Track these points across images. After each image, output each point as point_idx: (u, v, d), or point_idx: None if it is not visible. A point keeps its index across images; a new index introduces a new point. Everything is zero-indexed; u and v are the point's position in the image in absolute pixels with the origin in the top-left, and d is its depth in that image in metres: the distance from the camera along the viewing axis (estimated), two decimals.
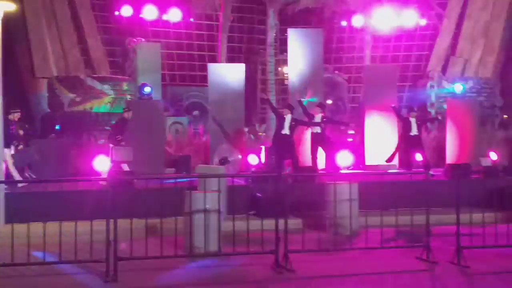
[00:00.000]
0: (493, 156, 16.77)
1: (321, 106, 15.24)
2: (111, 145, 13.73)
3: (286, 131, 13.92)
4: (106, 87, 21.32)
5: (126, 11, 22.66)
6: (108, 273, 7.14)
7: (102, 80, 21.51)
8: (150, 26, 23.82)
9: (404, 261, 8.01)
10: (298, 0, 23.11)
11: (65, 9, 22.70)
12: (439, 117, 18.42)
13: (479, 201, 10.11)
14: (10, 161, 12.54)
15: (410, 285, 6.98)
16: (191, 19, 24.49)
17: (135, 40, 22.40)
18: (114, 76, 22.31)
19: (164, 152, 16.02)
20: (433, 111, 23.36)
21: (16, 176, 12.45)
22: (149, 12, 23.16)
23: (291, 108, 14.28)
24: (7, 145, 11.96)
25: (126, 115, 13.91)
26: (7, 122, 12.10)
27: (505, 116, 24.88)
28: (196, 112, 22.54)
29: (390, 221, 8.39)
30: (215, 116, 16.18)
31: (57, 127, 17.44)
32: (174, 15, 23.41)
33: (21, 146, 13.88)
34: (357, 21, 24.19)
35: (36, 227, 7.48)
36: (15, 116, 13.61)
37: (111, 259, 7.19)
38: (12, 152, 13.09)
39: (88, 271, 7.50)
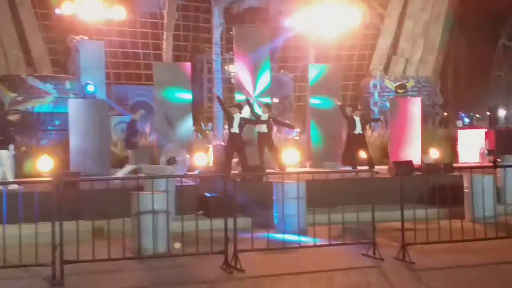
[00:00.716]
0: (435, 153, 17.28)
1: (268, 106, 15.34)
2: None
3: (235, 129, 13.97)
4: (48, 86, 20.85)
5: (68, 8, 22.19)
6: (54, 277, 6.99)
7: (44, 79, 21.04)
8: (93, 24, 23.39)
9: (351, 258, 8.15)
10: None
11: (4, 7, 22.10)
12: (381, 118, 18.79)
13: (422, 197, 10.39)
14: None
15: (358, 281, 7.11)
16: (135, 17, 24.22)
17: (77, 38, 21.97)
18: (56, 75, 21.83)
19: (109, 152, 15.80)
20: (376, 110, 23.86)
21: None
22: (92, 10, 22.74)
23: (240, 107, 14.35)
24: None
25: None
26: None
27: (445, 113, 25.66)
28: (142, 111, 22.29)
29: (337, 218, 8.52)
30: (166, 114, 16.01)
31: None
32: (118, 13, 23.07)
33: None
34: (301, 20, 24.42)
35: None
36: None
37: (57, 263, 7.04)
38: None
39: (34, 275, 7.33)
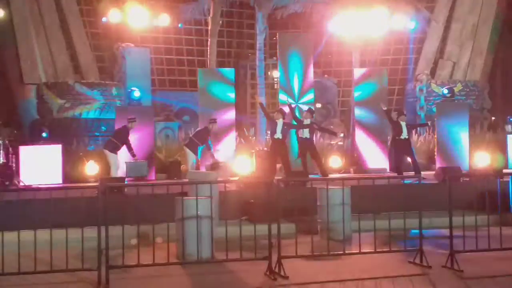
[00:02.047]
0: (483, 158, 16.84)
1: (311, 111, 15.24)
2: (105, 151, 13.73)
3: (278, 135, 13.94)
4: (95, 93, 21.22)
5: (115, 16, 22.55)
6: (100, 282, 7.06)
7: (91, 85, 21.41)
8: (138, 31, 23.72)
9: (398, 266, 7.99)
10: (287, 4, 23.10)
11: (53, 15, 22.61)
12: (428, 123, 18.43)
13: (470, 204, 10.12)
14: None
15: None
16: (180, 25, 24.43)
17: (123, 45, 22.31)
18: (103, 81, 22.21)
19: (154, 158, 15.96)
20: (422, 114, 23.45)
21: None
22: (138, 18, 23.04)
23: (283, 113, 14.30)
24: None
25: (130, 125, 13.87)
26: None
27: (493, 118, 25.02)
28: (186, 117, 22.48)
29: (383, 225, 8.37)
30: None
31: (44, 134, 17.28)
32: (163, 20, 23.31)
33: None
34: (346, 25, 24.22)
35: (26, 235, 7.40)
36: None
37: (102, 268, 7.11)
38: None
39: (79, 280, 7.41)
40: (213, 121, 14.68)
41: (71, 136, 18.75)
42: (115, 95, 21.34)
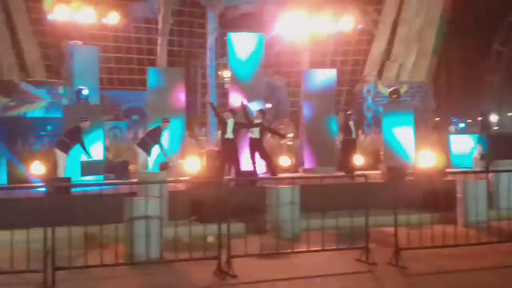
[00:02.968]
0: (427, 158, 17.28)
1: (262, 112, 15.35)
2: (56, 150, 13.41)
3: (229, 135, 13.98)
4: (41, 91, 20.79)
5: (62, 14, 22.14)
6: (46, 283, 6.94)
7: (37, 84, 20.98)
8: (87, 29, 23.36)
9: (345, 263, 8.14)
10: (238, 4, 23.18)
11: None
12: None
13: (415, 202, 10.39)
14: None
15: (351, 286, 7.10)
16: (129, 23, 24.19)
17: (71, 43, 21.93)
18: (49, 80, 21.78)
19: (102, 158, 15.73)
20: (369, 115, 23.90)
21: None
22: (86, 15, 22.70)
23: (233, 112, 14.35)
24: None
25: (82, 124, 13.54)
26: None
27: (437, 119, 25.70)
28: (135, 117, 22.25)
29: (331, 223, 8.51)
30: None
31: None
32: (113, 18, 23.04)
33: None
34: (296, 26, 24.47)
35: None
36: None
37: (49, 269, 7.00)
38: None
39: (25, 281, 7.26)
40: (166, 120, 14.55)
41: (16, 135, 18.28)
42: (62, 94, 20.96)
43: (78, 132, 13.47)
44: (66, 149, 13.41)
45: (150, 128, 15.16)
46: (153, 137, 14.39)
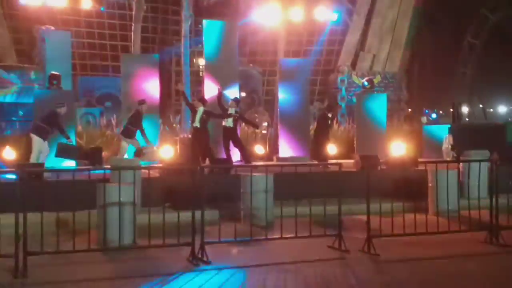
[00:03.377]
0: (400, 148, 17.50)
1: (236, 101, 15.34)
2: (33, 136, 13.19)
3: (196, 124, 13.99)
4: (12, 76, 20.46)
5: None
6: (17, 268, 6.88)
7: (9, 69, 20.63)
8: (59, 13, 23.02)
9: (317, 250, 8.22)
10: None
11: None
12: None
13: (387, 191, 10.50)
14: None
15: (323, 272, 7.18)
16: (102, 8, 23.88)
17: (43, 27, 21.59)
18: (21, 65, 21.44)
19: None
20: (343, 104, 24.07)
21: None
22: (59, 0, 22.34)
23: (203, 101, 14.34)
24: None
25: (59, 110, 13.34)
26: None
27: (409, 109, 26.01)
28: (108, 103, 22.06)
29: (304, 211, 8.57)
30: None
31: None
32: (85, 3, 22.70)
33: None
34: (271, 14, 24.44)
35: None
36: None
37: (20, 254, 6.93)
38: None
39: None
40: (142, 101, 14.35)
41: None
42: (34, 79, 20.66)
43: (55, 117, 13.26)
44: (43, 134, 13.21)
45: (130, 115, 14.89)
46: (135, 123, 14.21)
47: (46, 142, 13.25)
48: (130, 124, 14.25)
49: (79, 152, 13.90)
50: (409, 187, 9.69)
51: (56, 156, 13.34)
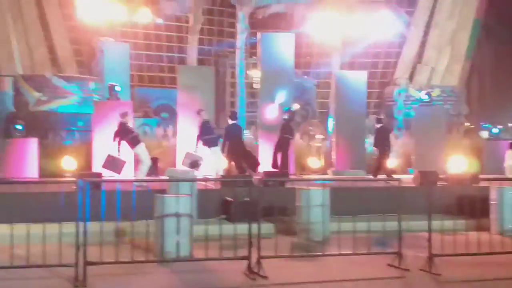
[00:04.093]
0: (459, 164, 17.06)
1: (289, 112, 15.49)
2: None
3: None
4: (72, 87, 20.96)
5: (95, 10, 22.27)
6: (77, 278, 6.96)
7: (69, 79, 21.15)
8: (118, 26, 23.49)
9: (376, 268, 8.02)
10: (269, 4, 23.11)
11: (31, 7, 22.28)
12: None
13: (446, 208, 10.22)
14: None
15: None
16: (161, 21, 24.24)
17: (102, 39, 22.07)
18: (81, 75, 21.95)
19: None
20: (400, 118, 23.66)
21: None
22: (118, 12, 22.81)
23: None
24: None
25: (123, 119, 13.52)
26: None
27: (467, 124, 25.32)
28: (165, 114, 22.34)
29: (362, 227, 8.40)
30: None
31: (19, 127, 17.00)
32: (144, 15, 23.12)
33: None
34: (327, 27, 24.32)
35: (2, 229, 7.27)
36: None
37: (80, 264, 7.01)
38: None
39: (57, 275, 7.30)
40: (201, 110, 14.67)
41: (47, 130, 18.46)
42: (93, 90, 21.10)
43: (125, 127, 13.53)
44: (137, 142, 13.50)
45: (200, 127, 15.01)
46: (205, 132, 14.43)
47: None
48: (202, 134, 14.49)
49: (123, 167, 14.03)
50: (470, 204, 9.39)
51: (103, 167, 13.44)
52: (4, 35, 21.31)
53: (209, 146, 14.26)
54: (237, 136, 14.99)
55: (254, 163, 14.77)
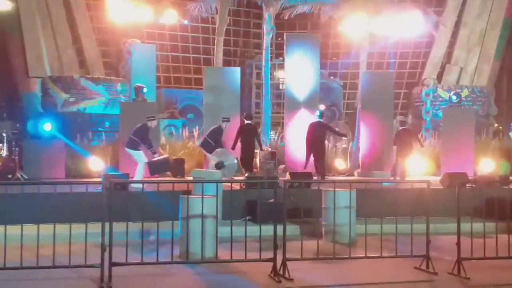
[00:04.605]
0: (488, 165, 16.77)
1: (323, 115, 15.45)
2: (128, 150, 13.35)
3: None
4: (100, 88, 21.16)
5: (122, 12, 22.42)
6: (102, 279, 6.97)
7: (96, 80, 21.36)
8: (145, 27, 23.65)
9: (404, 271, 7.89)
10: (295, 5, 22.99)
11: (60, 9, 22.57)
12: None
13: (475, 210, 10.00)
14: None
15: None
16: (187, 22, 24.31)
17: (130, 41, 22.24)
18: (108, 77, 22.15)
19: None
20: (428, 119, 23.37)
21: None
22: (145, 14, 22.92)
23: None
24: None
25: (149, 123, 13.41)
26: None
27: (496, 125, 24.90)
28: (190, 115, 22.46)
29: (389, 229, 8.26)
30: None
31: (48, 128, 17.18)
32: (170, 17, 23.21)
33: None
34: (353, 27, 24.14)
35: (29, 229, 7.32)
36: None
37: (105, 264, 7.02)
38: None
39: (82, 276, 7.33)
40: (226, 119, 14.75)
41: (74, 130, 18.65)
42: (120, 91, 21.27)
43: (146, 130, 13.31)
44: (137, 147, 13.33)
45: (211, 128, 15.05)
46: (214, 137, 14.44)
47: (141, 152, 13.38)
48: (208, 136, 14.56)
49: (169, 162, 14.06)
50: (500, 206, 9.17)
51: (152, 174, 13.42)
52: (33, 37, 21.60)
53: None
54: (250, 136, 15.00)
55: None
